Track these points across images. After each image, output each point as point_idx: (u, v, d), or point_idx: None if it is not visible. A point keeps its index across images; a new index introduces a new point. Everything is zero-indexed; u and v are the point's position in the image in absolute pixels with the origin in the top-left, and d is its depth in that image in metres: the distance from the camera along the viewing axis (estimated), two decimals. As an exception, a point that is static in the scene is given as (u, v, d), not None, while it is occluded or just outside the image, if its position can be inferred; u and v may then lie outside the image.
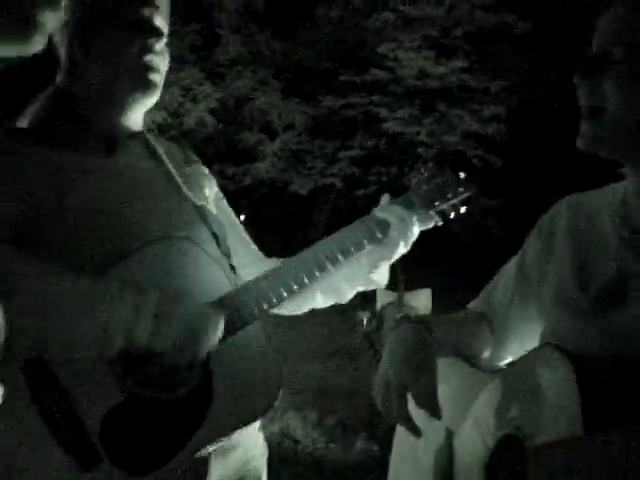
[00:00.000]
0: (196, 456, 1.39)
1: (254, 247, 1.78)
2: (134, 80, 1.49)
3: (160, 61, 1.52)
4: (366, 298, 6.16)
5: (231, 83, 12.28)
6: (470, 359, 1.46)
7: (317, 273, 1.54)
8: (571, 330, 1.27)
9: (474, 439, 1.33)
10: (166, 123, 11.80)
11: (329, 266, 1.55)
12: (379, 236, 1.61)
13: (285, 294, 1.50)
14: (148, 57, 1.49)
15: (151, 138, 1.64)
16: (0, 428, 1.26)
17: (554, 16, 11.30)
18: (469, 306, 1.59)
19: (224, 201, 1.77)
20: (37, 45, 0.69)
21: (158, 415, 1.38)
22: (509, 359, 1.51)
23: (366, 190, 12.86)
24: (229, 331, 1.42)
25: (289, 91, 13.00)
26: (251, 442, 1.60)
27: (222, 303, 1.43)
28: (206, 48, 12.13)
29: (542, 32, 11.91)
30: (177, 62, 11.31)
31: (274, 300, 1.49)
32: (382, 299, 6.05)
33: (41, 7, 0.66)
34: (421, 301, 6.07)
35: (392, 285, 6.54)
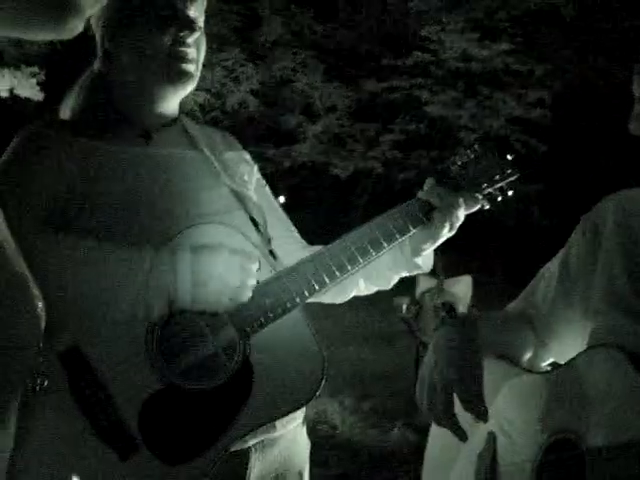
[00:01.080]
0: (235, 449, 1.38)
1: (297, 235, 1.76)
2: (166, 71, 1.49)
3: (194, 52, 1.51)
4: (406, 284, 6.13)
5: (272, 64, 12.28)
6: (513, 360, 1.43)
7: (360, 259, 1.50)
8: (624, 331, 1.23)
9: (521, 442, 1.30)
10: (208, 104, 11.88)
11: (372, 251, 1.51)
12: (423, 220, 1.57)
13: (327, 280, 1.46)
14: (181, 49, 1.48)
15: (189, 124, 1.64)
16: (40, 416, 1.27)
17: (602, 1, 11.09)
18: (510, 305, 1.56)
19: (266, 188, 1.74)
20: (75, 29, 0.67)
21: (196, 404, 1.36)
22: (551, 359, 1.48)
23: (406, 174, 12.81)
24: (270, 318, 1.39)
25: (330, 73, 12.97)
26: (293, 437, 1.57)
27: (262, 289, 1.41)
28: (248, 29, 12.14)
29: (589, 15, 11.69)
30: (219, 43, 11.35)
31: (315, 287, 1.45)
32: (422, 285, 6.00)
33: None
34: (461, 288, 6.00)
35: (432, 271, 6.47)
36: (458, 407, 1.25)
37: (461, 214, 1.59)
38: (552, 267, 1.48)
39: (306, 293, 1.44)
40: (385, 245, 1.52)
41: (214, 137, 1.67)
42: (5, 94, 9.17)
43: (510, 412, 1.35)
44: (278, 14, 12.11)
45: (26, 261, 0.63)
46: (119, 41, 1.50)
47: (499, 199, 1.66)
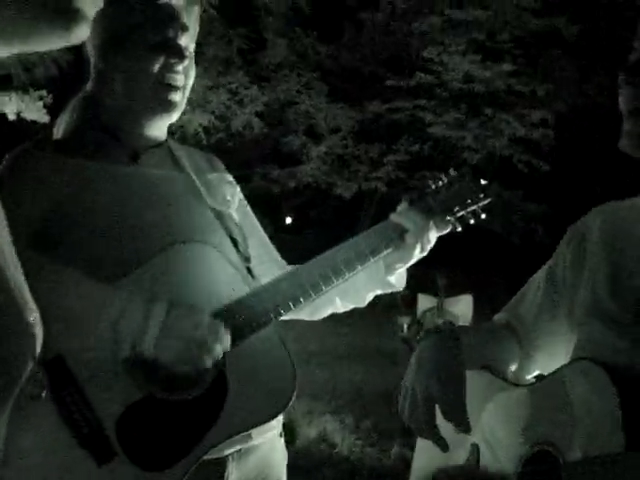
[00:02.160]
0: (212, 458, 1.41)
1: (276, 255, 1.79)
2: (154, 98, 1.51)
3: (182, 79, 1.54)
4: (407, 303, 6.12)
5: (277, 86, 12.35)
6: (498, 371, 1.43)
7: (334, 278, 1.55)
8: (605, 341, 1.24)
9: (503, 454, 1.30)
10: (213, 126, 11.92)
11: (346, 271, 1.56)
12: (396, 241, 1.62)
13: (301, 299, 1.51)
14: (169, 76, 1.51)
15: (174, 146, 1.67)
16: (22, 420, 1.29)
17: (603, 19, 11.14)
18: (496, 317, 1.55)
19: (248, 208, 1.77)
20: (80, 36, 0.67)
21: (172, 413, 1.40)
22: (537, 372, 1.48)
23: (410, 194, 12.80)
24: (244, 334, 1.43)
25: (334, 95, 13.03)
26: (270, 446, 1.60)
27: (238, 306, 1.45)
28: (252, 52, 12.22)
29: (591, 35, 11.75)
30: (224, 66, 11.42)
31: (290, 304, 1.49)
32: (423, 304, 6.01)
33: None
34: (462, 307, 6.00)
35: (433, 291, 6.52)
36: (441, 419, 1.25)
37: (432, 236, 1.65)
38: (538, 278, 1.49)
39: (280, 310, 1.48)
40: (359, 266, 1.58)
41: (198, 159, 1.70)
42: (12, 117, 9.24)
43: (494, 424, 1.36)
44: (282, 37, 12.21)
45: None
46: (111, 62, 1.52)
47: (471, 222, 1.71)
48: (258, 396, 1.44)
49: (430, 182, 1.72)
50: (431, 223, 1.64)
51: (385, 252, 1.61)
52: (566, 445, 1.16)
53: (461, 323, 5.55)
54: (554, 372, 1.28)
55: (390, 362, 7.11)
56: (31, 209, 1.43)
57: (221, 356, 1.39)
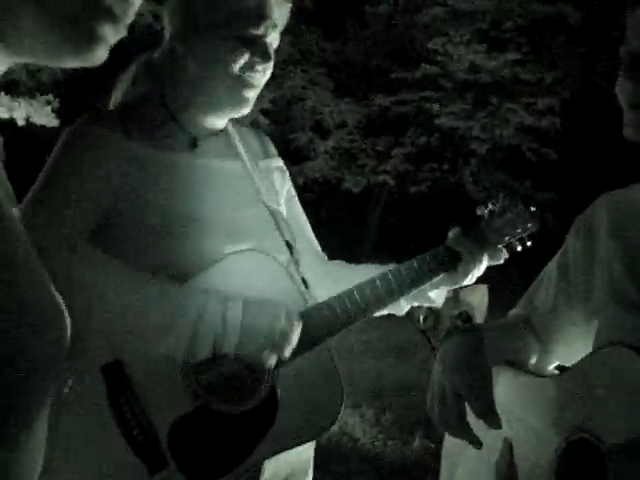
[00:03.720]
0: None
1: (318, 249, 1.78)
2: (229, 93, 1.48)
3: (260, 79, 1.50)
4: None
5: (282, 83, 12.33)
6: (519, 365, 1.44)
7: (387, 301, 1.57)
8: (626, 325, 1.23)
9: (535, 446, 1.30)
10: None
11: (398, 295, 1.58)
12: (449, 268, 1.63)
13: (354, 319, 1.52)
14: (250, 74, 1.47)
15: (232, 131, 1.62)
16: (77, 423, 1.30)
17: (607, 3, 11.08)
18: (512, 311, 1.56)
19: (295, 199, 1.75)
20: (102, 58, 0.68)
21: (224, 425, 1.41)
22: (556, 363, 1.48)
23: (419, 187, 12.80)
24: (298, 352, 1.43)
25: (340, 90, 13.01)
26: (302, 475, 1.62)
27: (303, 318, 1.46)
28: (256, 49, 12.20)
29: (595, 21, 11.69)
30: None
31: (343, 325, 1.51)
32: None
33: (102, 20, 0.67)
34: (477, 297, 5.97)
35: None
36: (471, 416, 1.25)
37: (483, 267, 1.68)
38: (550, 270, 1.49)
39: (333, 331, 1.50)
40: (412, 289, 1.60)
41: (253, 144, 1.67)
42: (22, 122, 9.28)
43: (524, 417, 1.36)
44: (286, 33, 12.17)
45: (65, 269, 0.64)
46: (190, 47, 1.48)
47: (518, 249, 1.73)
48: (307, 412, 1.46)
49: (482, 208, 1.72)
50: (486, 255, 1.66)
51: (438, 277, 1.63)
52: (604, 431, 1.15)
53: (477, 313, 5.54)
54: (580, 361, 1.28)
55: (406, 355, 7.10)
56: (96, 197, 1.41)
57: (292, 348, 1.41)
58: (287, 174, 1.73)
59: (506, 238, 1.70)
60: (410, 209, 13.59)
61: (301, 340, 1.42)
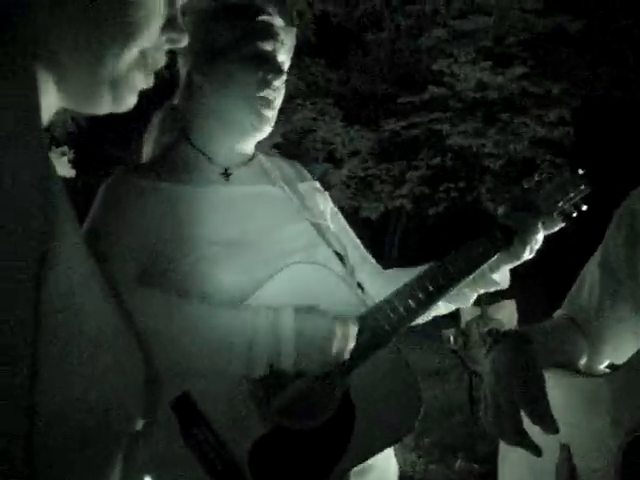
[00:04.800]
0: None
1: (372, 260, 1.75)
2: (248, 113, 1.50)
3: (276, 96, 1.53)
4: (450, 315, 6.08)
5: (292, 117, 12.42)
6: (569, 367, 1.42)
7: (448, 288, 1.52)
8: None
9: (592, 448, 1.28)
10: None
11: (457, 282, 1.53)
12: (504, 245, 1.58)
13: (417, 312, 1.49)
14: (265, 92, 1.49)
15: (264, 160, 1.65)
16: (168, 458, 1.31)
17: (605, 10, 11.11)
18: (557, 313, 1.54)
19: (339, 215, 1.74)
20: (131, 105, 0.72)
21: (302, 443, 1.39)
22: (607, 361, 1.45)
23: (436, 208, 12.79)
24: (366, 353, 1.42)
25: (349, 118, 13.07)
26: (386, 462, 1.56)
27: (360, 323, 1.43)
28: (264, 86, 12.29)
29: (596, 28, 11.72)
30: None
31: (407, 318, 1.47)
32: (466, 315, 5.97)
33: (138, 71, 0.69)
34: (506, 313, 5.96)
35: (475, 300, 6.40)
36: (526, 423, 1.21)
37: (540, 237, 1.61)
38: (591, 269, 1.47)
39: (398, 327, 1.46)
40: (471, 273, 1.55)
41: (287, 170, 1.68)
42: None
43: (576, 419, 1.33)
44: (291, 68, 12.27)
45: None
46: (205, 75, 1.51)
47: (574, 215, 1.66)
48: (384, 419, 1.42)
49: (530, 179, 1.67)
50: (540, 224, 1.60)
51: (495, 257, 1.58)
52: None
53: (507, 328, 5.50)
54: (631, 358, 1.25)
55: (438, 378, 7.05)
56: (139, 242, 1.43)
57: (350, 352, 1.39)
58: (327, 195, 1.73)
59: (559, 204, 1.63)
60: (429, 231, 13.56)
61: (365, 342, 1.41)
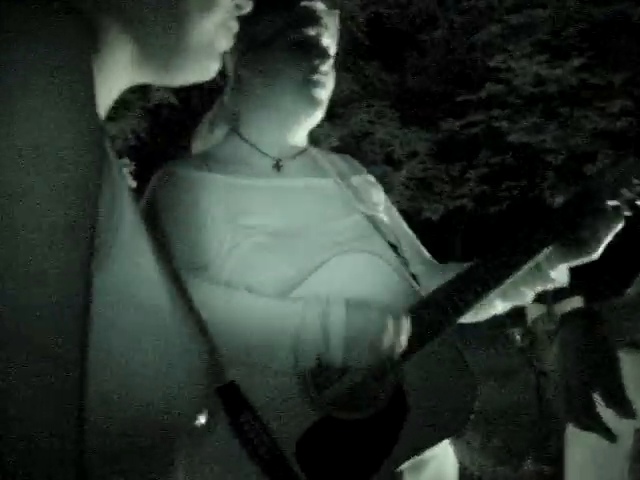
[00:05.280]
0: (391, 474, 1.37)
1: (427, 254, 1.71)
2: (298, 99, 1.49)
3: (326, 80, 1.51)
4: (515, 314, 5.99)
5: (349, 120, 12.43)
6: None
7: (503, 277, 1.47)
8: None
9: None
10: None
11: (514, 270, 1.48)
12: (564, 236, 1.50)
13: (473, 302, 1.45)
14: (315, 76, 1.48)
15: (316, 153, 1.64)
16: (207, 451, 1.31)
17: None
18: (630, 290, 1.44)
19: (394, 209, 1.71)
20: (214, 71, 0.70)
21: (351, 435, 1.37)
22: None
23: (498, 207, 12.63)
24: (420, 344, 1.39)
25: (407, 120, 13.01)
26: (443, 457, 1.51)
27: (410, 315, 1.39)
28: (319, 91, 12.35)
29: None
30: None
31: (462, 309, 1.44)
32: (532, 313, 5.85)
33: (222, 37, 0.68)
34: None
35: (541, 297, 6.30)
36: (599, 407, 1.15)
37: (606, 230, 1.51)
38: None
39: (453, 317, 1.43)
40: (528, 261, 1.49)
41: (340, 163, 1.66)
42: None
43: None
44: (346, 71, 12.32)
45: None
46: (251, 67, 1.51)
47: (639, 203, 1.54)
48: (439, 409, 1.40)
49: (591, 167, 1.60)
50: (603, 215, 1.50)
51: (554, 248, 1.51)
52: None
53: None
54: None
55: (507, 376, 6.95)
56: (189, 233, 1.43)
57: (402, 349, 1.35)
58: (380, 187, 1.70)
59: (622, 191, 1.52)
60: (492, 230, 13.40)
61: (418, 334, 1.38)
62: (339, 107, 12.67)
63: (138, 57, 0.64)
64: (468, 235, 13.83)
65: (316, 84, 1.49)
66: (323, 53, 1.50)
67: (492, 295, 1.56)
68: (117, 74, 0.63)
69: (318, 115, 1.53)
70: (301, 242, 1.45)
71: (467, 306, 1.44)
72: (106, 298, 0.54)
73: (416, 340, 1.38)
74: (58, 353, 0.48)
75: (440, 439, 1.41)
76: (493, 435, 5.11)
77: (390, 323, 1.34)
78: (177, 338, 0.61)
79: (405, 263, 1.55)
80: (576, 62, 11.56)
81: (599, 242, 1.50)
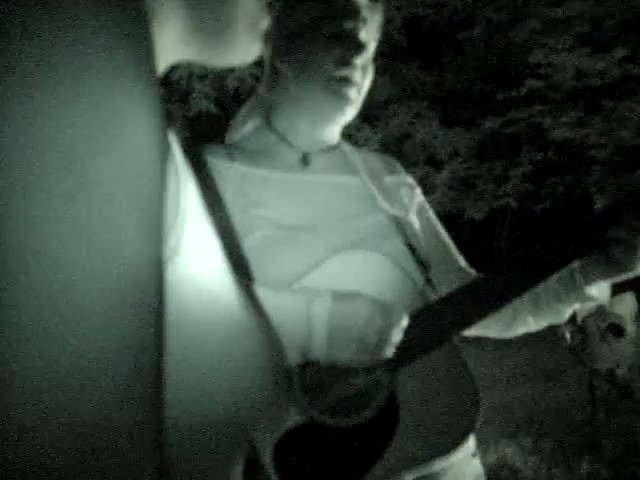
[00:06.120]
0: None
1: (462, 263, 1.64)
2: (327, 93, 1.44)
3: (358, 75, 1.45)
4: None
5: (389, 122, 12.40)
6: None
7: (521, 289, 1.38)
8: None
9: None
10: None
11: (533, 283, 1.38)
12: (597, 248, 1.38)
13: (483, 316, 1.37)
14: (345, 71, 1.43)
15: (349, 151, 1.60)
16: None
17: None
18: None
19: (430, 212, 1.66)
20: (255, 54, 0.68)
21: (334, 443, 1.30)
22: None
23: (543, 205, 12.48)
24: (418, 352, 1.32)
25: (447, 120, 12.94)
26: (459, 470, 1.42)
27: (411, 320, 1.32)
28: (358, 94, 12.36)
29: None
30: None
31: (470, 319, 1.37)
32: (582, 311, 5.76)
33: (262, 13, 0.66)
34: (625, 306, 5.71)
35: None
36: None
37: None
38: None
39: (459, 326, 1.36)
40: (553, 272, 1.39)
41: (374, 163, 1.62)
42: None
43: None
44: (384, 73, 12.30)
45: None
46: (285, 59, 1.47)
47: None
48: (434, 422, 1.31)
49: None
50: None
51: (579, 260, 1.42)
52: None
53: (629, 323, 5.28)
54: None
55: (558, 376, 6.85)
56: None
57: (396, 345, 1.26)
58: (418, 190, 1.66)
59: None
60: (537, 228, 13.24)
61: (417, 339, 1.31)
62: (379, 109, 12.66)
63: (187, 31, 0.61)
64: (513, 234, 13.67)
65: (345, 79, 1.43)
66: (358, 45, 1.44)
67: (524, 312, 1.51)
68: (166, 48, 0.60)
69: (350, 112, 1.49)
70: (312, 238, 1.40)
71: (468, 322, 1.37)
72: (180, 290, 0.53)
73: (415, 346, 1.32)
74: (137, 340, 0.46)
75: (430, 458, 1.30)
76: (545, 436, 5.03)
77: (379, 316, 1.24)
78: (247, 335, 0.60)
79: (424, 268, 1.49)
80: (619, 54, 11.36)
81: (637, 267, 1.37)
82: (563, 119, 11.97)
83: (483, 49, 13.04)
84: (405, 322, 1.28)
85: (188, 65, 9.67)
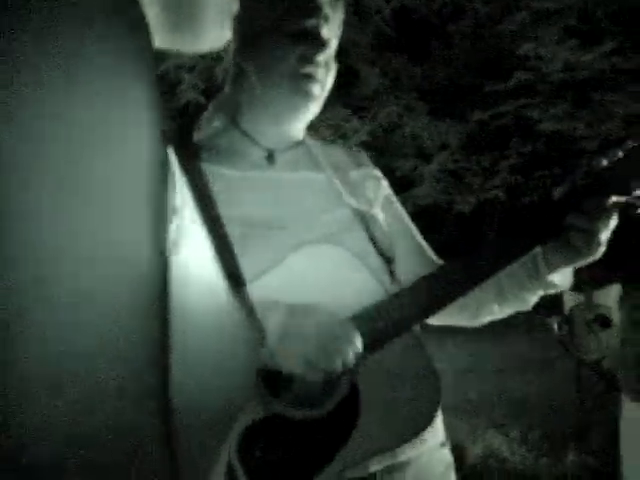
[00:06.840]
0: (356, 476, 1.32)
1: (430, 255, 1.65)
2: (291, 91, 1.45)
3: (322, 72, 1.46)
4: (551, 303, 5.93)
5: (377, 114, 12.40)
6: None
7: (478, 280, 1.39)
8: None
9: None
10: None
11: (479, 280, 1.40)
12: (554, 235, 1.40)
13: (445, 302, 1.39)
14: (308, 68, 1.44)
15: (313, 145, 1.61)
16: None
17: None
18: None
19: (396, 205, 1.66)
20: (224, 40, 0.67)
21: (298, 434, 1.31)
22: None
23: (531, 197, 12.53)
24: (379, 342, 1.33)
25: (436, 112, 12.96)
26: (427, 459, 1.45)
27: (371, 312, 1.34)
28: (346, 85, 12.36)
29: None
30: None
31: (432, 308, 1.38)
32: (569, 301, 5.79)
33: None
34: (612, 298, 5.74)
35: (578, 286, 6.26)
36: None
37: (610, 227, 1.39)
38: None
39: (422, 313, 1.38)
40: (510, 261, 1.40)
41: (339, 157, 1.63)
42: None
43: None
44: (373, 65, 12.30)
45: None
46: (248, 57, 1.48)
47: None
48: (399, 411, 1.33)
49: (600, 157, 1.43)
50: (609, 212, 1.37)
51: (541, 247, 1.43)
52: None
53: (616, 314, 5.31)
54: None
55: (546, 367, 6.89)
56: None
57: (352, 361, 1.28)
58: (384, 182, 1.67)
59: (632, 184, 1.38)
60: (526, 221, 13.31)
61: (375, 333, 1.32)
62: (367, 101, 12.66)
63: (157, 16, 0.61)
64: (502, 227, 13.72)
65: (308, 76, 1.44)
66: (320, 43, 1.45)
67: (489, 299, 1.52)
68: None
69: (313, 109, 1.50)
70: (282, 236, 1.41)
71: (428, 312, 1.39)
72: (178, 278, 0.53)
73: (374, 340, 1.32)
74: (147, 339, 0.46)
75: (395, 445, 1.34)
76: (533, 427, 5.06)
77: (329, 337, 1.27)
78: (233, 324, 0.62)
79: (388, 261, 1.50)
80: (607, 46, 11.40)
81: (600, 244, 1.39)
82: (552, 111, 12.01)
83: (472, 41, 13.06)
84: (359, 343, 1.29)
85: (177, 56, 9.63)
